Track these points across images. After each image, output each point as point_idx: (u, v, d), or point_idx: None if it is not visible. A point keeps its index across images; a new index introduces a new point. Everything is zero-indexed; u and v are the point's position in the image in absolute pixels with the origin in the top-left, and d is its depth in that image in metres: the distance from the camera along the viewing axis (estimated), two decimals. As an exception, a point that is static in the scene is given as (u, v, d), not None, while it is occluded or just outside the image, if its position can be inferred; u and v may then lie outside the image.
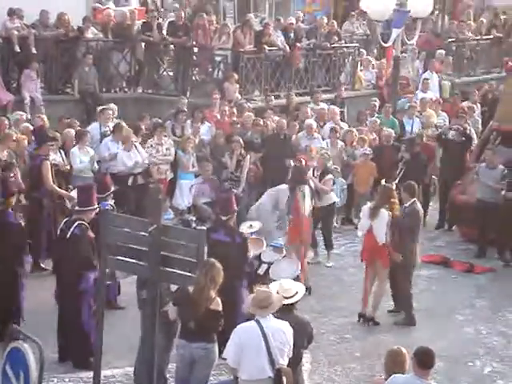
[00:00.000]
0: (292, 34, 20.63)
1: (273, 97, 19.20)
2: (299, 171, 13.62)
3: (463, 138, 17.08)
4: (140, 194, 15.01)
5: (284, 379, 7.93)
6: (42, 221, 13.08)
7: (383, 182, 13.59)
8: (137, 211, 13.67)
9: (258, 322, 8.02)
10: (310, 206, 13.23)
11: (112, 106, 16.62)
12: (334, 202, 14.88)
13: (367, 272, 12.35)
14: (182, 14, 20.53)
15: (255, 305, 8.09)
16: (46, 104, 17.29)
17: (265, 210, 13.41)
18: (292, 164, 14.98)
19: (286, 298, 8.46)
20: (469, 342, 11.80)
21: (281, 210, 13.36)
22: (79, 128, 15.41)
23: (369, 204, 12.53)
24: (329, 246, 14.72)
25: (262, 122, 17.12)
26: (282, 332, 8.00)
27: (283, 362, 7.99)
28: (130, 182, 15.11)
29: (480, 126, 19.67)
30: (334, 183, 15.02)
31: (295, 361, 8.34)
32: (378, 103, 19.59)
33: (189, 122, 16.92)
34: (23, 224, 11.06)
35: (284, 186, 13.51)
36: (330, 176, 14.58)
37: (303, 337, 8.49)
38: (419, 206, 12.59)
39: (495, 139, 16.76)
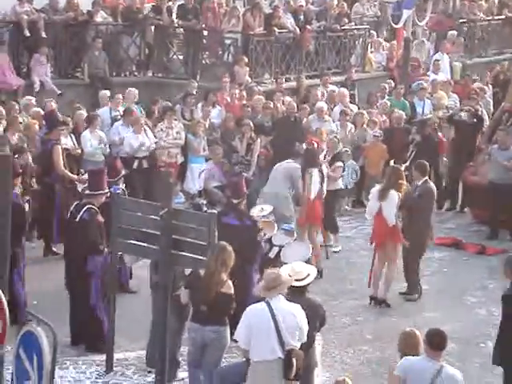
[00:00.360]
0: (302, 17, 20.55)
1: (284, 79, 19.15)
2: (312, 154, 13.59)
3: (475, 120, 17.02)
4: (145, 177, 15.04)
5: (294, 361, 7.95)
6: (53, 205, 13.10)
7: (392, 163, 13.54)
8: (142, 195, 13.72)
9: (267, 303, 8.03)
10: (319, 188, 13.19)
11: (133, 90, 16.55)
12: (340, 189, 14.76)
13: (378, 254, 12.34)
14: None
15: (264, 286, 8.10)
16: (57, 88, 17.29)
17: (281, 192, 13.27)
18: (304, 147, 14.94)
19: (298, 280, 8.47)
20: (481, 324, 11.80)
21: (297, 189, 13.29)
22: (90, 111, 15.43)
23: (377, 186, 12.50)
24: (334, 230, 14.59)
25: (272, 105, 17.10)
26: (292, 314, 8.00)
27: (295, 344, 8.00)
28: (135, 165, 15.12)
29: (491, 108, 19.58)
30: (344, 170, 14.92)
31: (308, 343, 8.34)
32: (391, 85, 19.50)
33: (199, 105, 16.91)
34: (28, 207, 11.03)
35: (294, 165, 13.42)
36: (339, 164, 14.48)
37: (315, 319, 8.49)
38: (432, 184, 12.51)
39: (507, 120, 16.69)
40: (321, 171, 13.33)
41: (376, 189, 12.40)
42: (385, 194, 12.11)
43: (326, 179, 13.43)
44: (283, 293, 8.17)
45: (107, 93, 16.61)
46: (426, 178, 12.45)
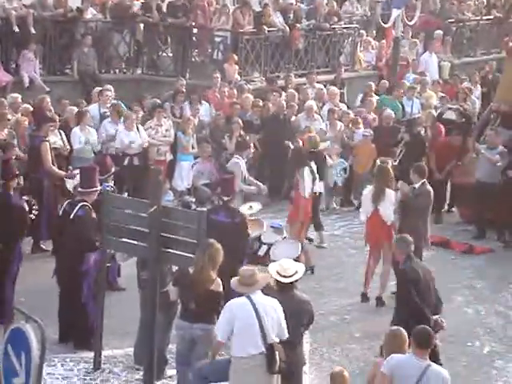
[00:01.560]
0: (291, 15, 20.56)
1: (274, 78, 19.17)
2: (298, 153, 13.62)
3: (463, 119, 17.05)
4: (136, 175, 15.02)
5: (277, 354, 7.97)
6: (42, 202, 13.06)
7: (378, 161, 13.55)
8: (133, 192, 13.70)
9: (248, 297, 8.05)
10: (309, 187, 13.21)
11: (108, 87, 16.56)
12: (321, 193, 14.61)
13: (373, 255, 12.35)
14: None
15: (240, 282, 8.12)
16: (46, 85, 17.25)
17: None
18: (291, 145, 14.98)
19: (285, 276, 8.49)
20: (468, 323, 11.84)
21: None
22: (79, 108, 15.39)
23: (369, 188, 12.51)
24: (319, 227, 14.56)
25: (261, 103, 17.11)
26: (272, 308, 8.04)
27: (275, 338, 8.03)
28: (125, 162, 15.10)
29: (477, 108, 19.63)
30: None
31: (295, 340, 8.38)
32: (381, 83, 19.55)
33: (187, 103, 16.90)
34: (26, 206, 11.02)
35: (233, 160, 13.95)
36: None
37: (303, 315, 8.52)
38: (429, 187, 12.43)
39: (495, 120, 16.74)
40: (311, 169, 13.33)
41: (368, 190, 12.42)
42: (380, 194, 12.13)
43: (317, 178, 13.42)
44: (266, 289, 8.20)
45: (99, 89, 16.56)
46: (424, 180, 12.36)
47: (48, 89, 17.02)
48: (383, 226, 12.16)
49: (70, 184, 12.87)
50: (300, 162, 13.21)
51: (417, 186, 12.28)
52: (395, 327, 7.83)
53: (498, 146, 15.38)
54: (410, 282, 9.44)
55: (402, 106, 18.79)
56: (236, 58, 18.85)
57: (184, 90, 17.13)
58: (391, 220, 12.12)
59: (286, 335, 8.11)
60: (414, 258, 9.75)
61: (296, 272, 8.58)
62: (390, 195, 12.13)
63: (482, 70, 22.65)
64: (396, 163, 14.65)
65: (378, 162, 13.44)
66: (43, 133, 13.36)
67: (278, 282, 8.46)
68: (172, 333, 9.48)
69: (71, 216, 10.15)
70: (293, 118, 17.12)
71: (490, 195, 14.99)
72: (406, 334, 7.55)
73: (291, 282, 8.51)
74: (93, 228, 10.02)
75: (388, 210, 12.11)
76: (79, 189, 10.48)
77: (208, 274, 8.54)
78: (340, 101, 18.63)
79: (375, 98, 18.76)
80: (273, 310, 8.03)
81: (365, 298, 12.28)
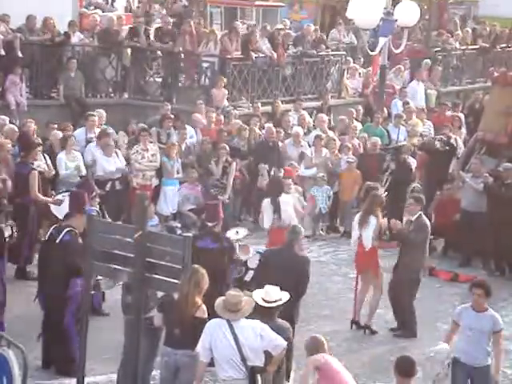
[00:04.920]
0: (280, 39, 20.55)
1: (259, 104, 19.21)
2: (275, 183, 13.72)
3: (447, 147, 17.11)
4: (118, 199, 15.03)
5: (258, 377, 7.94)
6: (26, 226, 12.99)
7: (366, 185, 13.55)
8: (116, 217, 13.67)
9: (228, 320, 8.10)
10: (292, 212, 13.21)
11: (100, 111, 16.57)
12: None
13: (361, 281, 12.32)
14: (169, 20, 20.57)
15: (225, 307, 8.12)
16: (32, 109, 17.21)
17: None
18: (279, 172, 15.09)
19: (268, 302, 8.52)
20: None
21: None
22: (64, 132, 15.35)
23: (359, 213, 12.51)
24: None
25: (248, 129, 17.13)
26: (253, 332, 8.05)
27: (258, 361, 8.01)
28: (107, 187, 15.08)
29: (462, 137, 19.71)
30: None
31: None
32: (359, 110, 19.66)
33: (172, 129, 16.90)
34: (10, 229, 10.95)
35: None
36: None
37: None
38: (426, 219, 12.35)
39: (480, 149, 16.80)
40: (291, 196, 13.35)
41: (357, 216, 12.42)
42: (364, 221, 12.13)
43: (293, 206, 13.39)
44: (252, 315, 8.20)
45: (88, 113, 16.52)
46: (421, 212, 12.26)
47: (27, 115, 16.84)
48: (369, 252, 12.13)
49: (56, 209, 12.78)
50: (275, 192, 13.25)
51: (413, 218, 12.18)
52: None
53: (482, 175, 15.37)
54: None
55: (388, 133, 18.86)
56: (224, 82, 18.87)
57: (172, 116, 17.13)
58: (369, 246, 12.06)
59: (281, 348, 8.09)
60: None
61: (280, 299, 8.60)
62: (373, 222, 12.08)
63: (467, 98, 22.77)
64: (383, 191, 14.63)
65: (364, 187, 13.46)
66: (31, 159, 13.31)
67: (260, 306, 8.46)
68: (156, 359, 9.41)
69: (57, 241, 10.09)
70: (280, 144, 17.16)
71: (475, 224, 15.00)
72: (323, 340, 8.21)
73: (272, 308, 8.51)
74: (78, 253, 9.94)
75: (369, 236, 12.08)
76: (67, 213, 10.42)
77: (193, 300, 8.51)
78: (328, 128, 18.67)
79: (359, 125, 18.86)
80: (253, 334, 8.03)
81: (356, 325, 12.20)
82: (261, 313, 8.41)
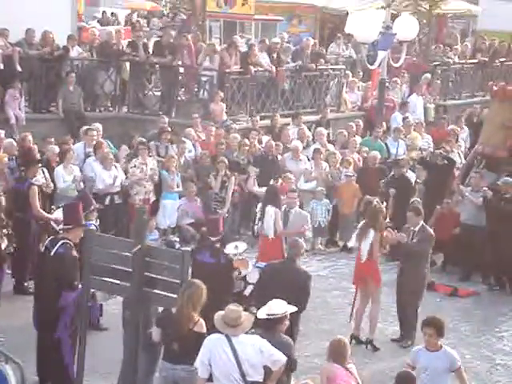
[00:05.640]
0: (275, 55, 20.59)
1: (258, 117, 19.21)
2: (272, 192, 13.63)
3: (445, 161, 17.09)
4: (117, 213, 15.01)
5: None
6: (27, 242, 12.92)
7: (366, 199, 13.49)
8: (115, 231, 13.63)
9: (227, 335, 8.02)
10: (277, 226, 13.15)
11: (97, 125, 16.56)
12: None
13: (360, 295, 12.27)
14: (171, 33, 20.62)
15: (225, 322, 8.06)
16: (31, 123, 17.20)
17: None
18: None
19: (269, 314, 8.44)
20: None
21: None
22: (63, 146, 15.33)
23: (359, 226, 12.48)
24: None
25: (247, 143, 17.12)
26: (252, 348, 7.97)
27: (257, 377, 7.95)
28: (107, 201, 15.05)
29: (462, 151, 19.71)
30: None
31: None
32: (359, 124, 19.65)
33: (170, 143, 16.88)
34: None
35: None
36: None
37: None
38: (429, 229, 12.38)
39: (479, 163, 16.79)
40: (277, 209, 13.27)
41: (358, 229, 12.40)
42: (363, 234, 12.10)
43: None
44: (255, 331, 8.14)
45: (85, 128, 16.53)
46: (422, 222, 12.28)
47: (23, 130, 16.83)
48: (368, 265, 12.09)
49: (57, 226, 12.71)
50: (270, 201, 13.17)
51: (416, 228, 12.17)
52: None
53: (481, 189, 15.34)
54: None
55: (387, 146, 18.85)
56: (222, 96, 18.86)
57: (170, 129, 17.11)
58: (363, 258, 12.03)
59: (281, 363, 8.03)
60: None
61: (283, 312, 8.52)
62: (371, 235, 12.03)
63: (463, 111, 22.80)
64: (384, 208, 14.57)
65: (364, 201, 13.41)
66: (31, 175, 13.27)
67: (262, 320, 8.40)
68: (155, 374, 9.35)
69: (51, 253, 10.04)
70: (279, 158, 17.16)
71: (474, 238, 14.97)
72: (348, 344, 8.17)
73: (274, 320, 8.42)
74: (72, 266, 9.88)
75: (366, 249, 12.04)
76: (60, 225, 10.38)
77: (188, 314, 8.44)
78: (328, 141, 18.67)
79: (358, 139, 18.85)
80: (253, 349, 7.96)
81: (357, 340, 12.13)
82: (264, 326, 8.35)
